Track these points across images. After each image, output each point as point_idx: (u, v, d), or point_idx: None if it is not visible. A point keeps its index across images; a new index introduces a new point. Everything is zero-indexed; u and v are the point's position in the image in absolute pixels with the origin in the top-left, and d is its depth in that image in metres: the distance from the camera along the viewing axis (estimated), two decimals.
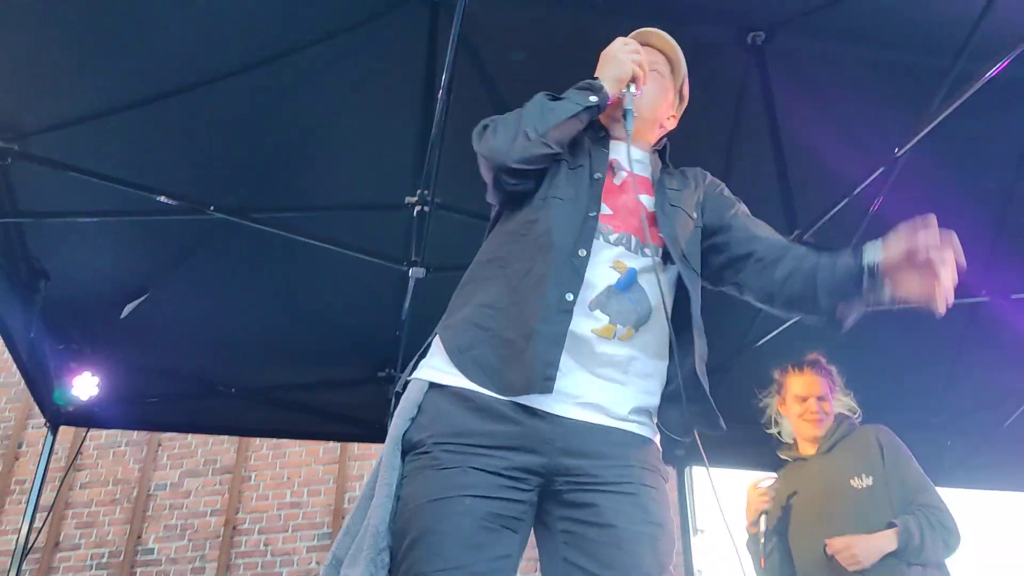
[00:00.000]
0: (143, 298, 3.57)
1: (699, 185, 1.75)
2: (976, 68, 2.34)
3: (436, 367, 1.45)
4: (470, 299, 1.52)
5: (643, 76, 1.64)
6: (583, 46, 3.02)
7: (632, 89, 1.62)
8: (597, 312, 1.44)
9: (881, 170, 2.77)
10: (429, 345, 1.52)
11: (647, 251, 1.50)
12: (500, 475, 1.34)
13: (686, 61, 1.90)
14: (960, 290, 3.73)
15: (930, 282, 1.33)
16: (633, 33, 1.76)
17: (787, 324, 3.32)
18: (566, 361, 1.38)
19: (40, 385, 3.74)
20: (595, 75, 1.63)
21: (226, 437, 7.55)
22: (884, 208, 2.90)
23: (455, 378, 1.41)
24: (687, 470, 4.97)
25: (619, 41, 1.67)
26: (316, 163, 3.27)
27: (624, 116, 1.60)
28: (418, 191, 2.93)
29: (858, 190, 2.87)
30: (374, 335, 3.99)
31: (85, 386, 3.79)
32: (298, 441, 7.38)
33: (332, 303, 3.86)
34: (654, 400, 1.51)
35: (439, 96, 2.66)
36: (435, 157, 2.81)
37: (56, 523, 7.41)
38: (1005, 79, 2.40)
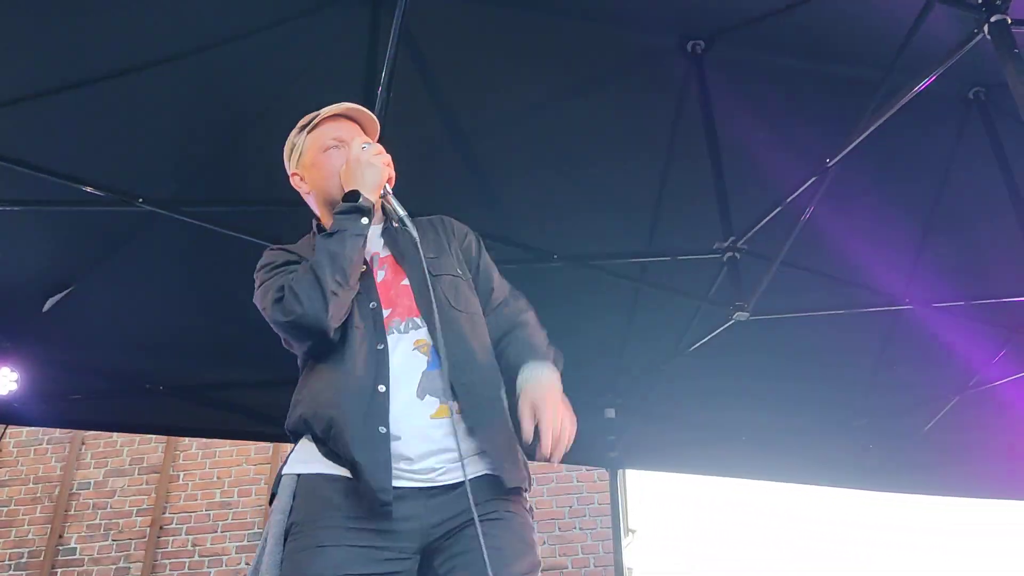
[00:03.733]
0: (67, 292, 3.45)
1: (448, 233, 1.81)
2: (905, 83, 2.41)
3: (303, 460, 1.55)
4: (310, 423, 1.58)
5: (391, 171, 1.70)
6: (524, 44, 3.05)
7: (388, 188, 1.67)
8: (427, 398, 1.53)
9: (813, 179, 2.84)
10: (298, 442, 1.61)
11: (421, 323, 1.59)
12: (375, 548, 1.43)
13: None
14: (884, 298, 3.84)
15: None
16: (325, 112, 1.78)
17: (717, 331, 3.37)
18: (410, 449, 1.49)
19: None
20: (349, 187, 1.63)
21: (153, 436, 7.38)
22: (815, 216, 2.97)
23: (324, 465, 1.51)
24: (619, 472, 5.01)
25: (357, 146, 1.68)
26: (250, 157, 3.19)
27: (401, 222, 1.65)
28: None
29: (790, 198, 2.93)
30: None
31: (3, 381, 3.64)
32: (229, 441, 7.25)
33: None
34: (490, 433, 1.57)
35: (379, 92, 2.63)
36: None
37: None
38: (932, 94, 2.48)
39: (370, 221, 1.60)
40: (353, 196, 1.61)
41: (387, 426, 1.49)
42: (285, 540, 1.48)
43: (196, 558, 7.07)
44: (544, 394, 1.51)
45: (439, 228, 1.80)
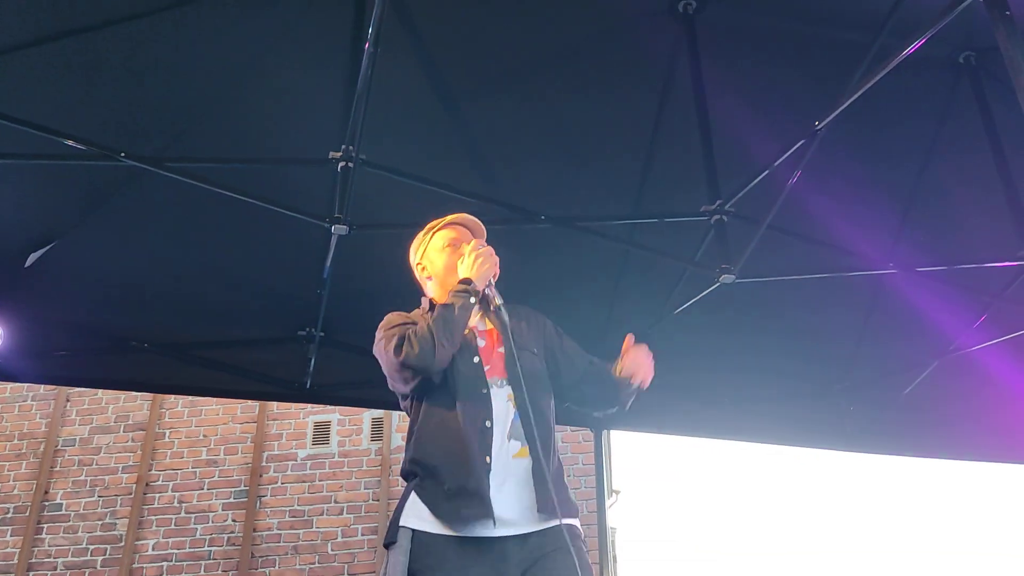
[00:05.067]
0: (49, 247, 3.42)
1: (536, 324, 2.33)
2: (895, 45, 2.39)
3: (416, 515, 2.00)
4: (423, 463, 2.07)
5: (496, 268, 2.21)
6: (514, 2, 3.01)
7: (492, 281, 2.20)
8: (513, 440, 2.04)
9: (801, 142, 2.83)
10: (404, 501, 2.06)
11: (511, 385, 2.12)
12: None
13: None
14: (868, 262, 3.85)
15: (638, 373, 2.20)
16: (451, 219, 2.35)
17: (703, 294, 3.39)
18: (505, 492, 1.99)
19: None
20: (464, 275, 2.16)
21: (139, 393, 7.38)
22: (803, 180, 2.97)
23: (431, 525, 1.97)
24: (603, 433, 5.07)
25: (475, 244, 2.22)
26: (237, 112, 3.16)
27: (497, 310, 2.19)
28: (343, 146, 2.86)
29: (778, 162, 2.92)
30: (295, 292, 3.92)
31: None
32: (215, 399, 7.27)
33: (252, 258, 3.76)
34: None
35: (366, 49, 2.60)
36: (361, 112, 2.75)
37: None
38: (922, 58, 2.47)
39: (477, 302, 2.14)
40: (467, 281, 2.14)
41: (490, 456, 1.99)
42: None
43: (183, 515, 7.13)
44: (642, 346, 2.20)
45: (528, 315, 2.33)
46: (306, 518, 7.06)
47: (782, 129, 2.94)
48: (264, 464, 7.27)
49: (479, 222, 2.36)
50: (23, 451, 7.45)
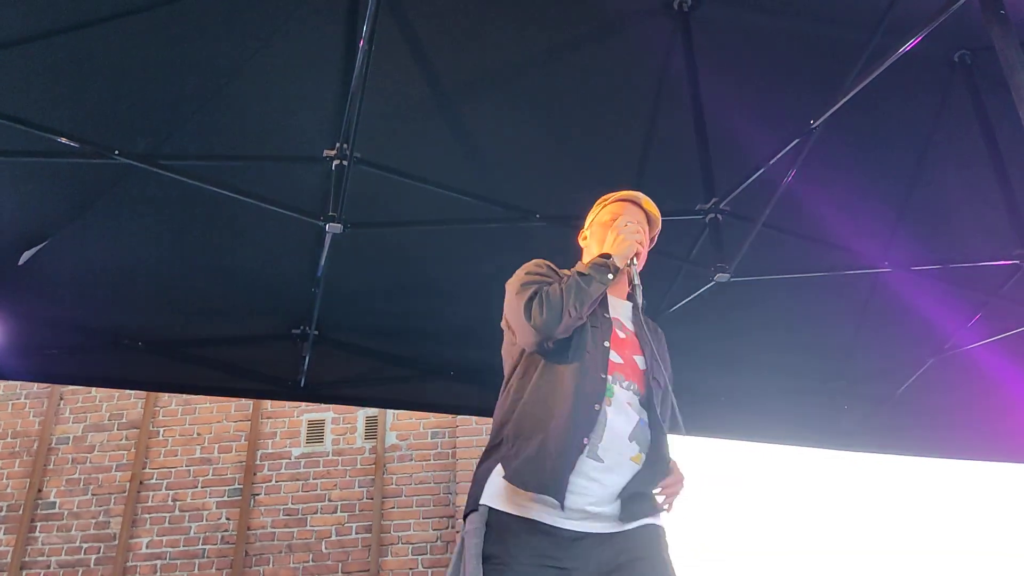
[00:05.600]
0: (42, 245, 3.40)
1: (664, 353, 2.26)
2: (891, 44, 2.39)
3: (497, 495, 1.91)
4: (520, 423, 1.99)
5: (644, 252, 2.20)
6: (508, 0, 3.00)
7: (635, 261, 2.16)
8: (634, 443, 1.99)
9: (796, 141, 2.83)
10: (488, 472, 1.96)
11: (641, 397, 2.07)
12: None
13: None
14: (864, 261, 3.85)
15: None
16: (623, 195, 2.31)
17: (699, 291, 3.39)
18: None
19: None
20: (605, 250, 2.14)
21: (132, 391, 7.36)
22: (798, 179, 2.97)
23: (510, 503, 1.89)
24: None
25: (622, 222, 2.19)
26: (231, 110, 3.15)
27: (633, 288, 2.16)
28: (337, 144, 2.85)
29: (773, 160, 2.92)
30: (289, 291, 3.91)
31: None
32: (209, 397, 7.25)
33: (246, 256, 3.75)
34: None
35: (360, 46, 2.59)
36: (355, 110, 2.74)
37: None
38: (917, 57, 2.47)
39: (614, 277, 2.09)
40: (606, 256, 2.12)
41: (589, 438, 1.91)
42: (484, 562, 1.82)
43: (176, 513, 7.11)
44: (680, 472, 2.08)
45: (661, 337, 2.30)
46: (300, 516, 7.04)
47: (777, 127, 2.94)
48: (258, 462, 7.25)
49: (653, 204, 2.31)
50: (16, 449, 7.43)
